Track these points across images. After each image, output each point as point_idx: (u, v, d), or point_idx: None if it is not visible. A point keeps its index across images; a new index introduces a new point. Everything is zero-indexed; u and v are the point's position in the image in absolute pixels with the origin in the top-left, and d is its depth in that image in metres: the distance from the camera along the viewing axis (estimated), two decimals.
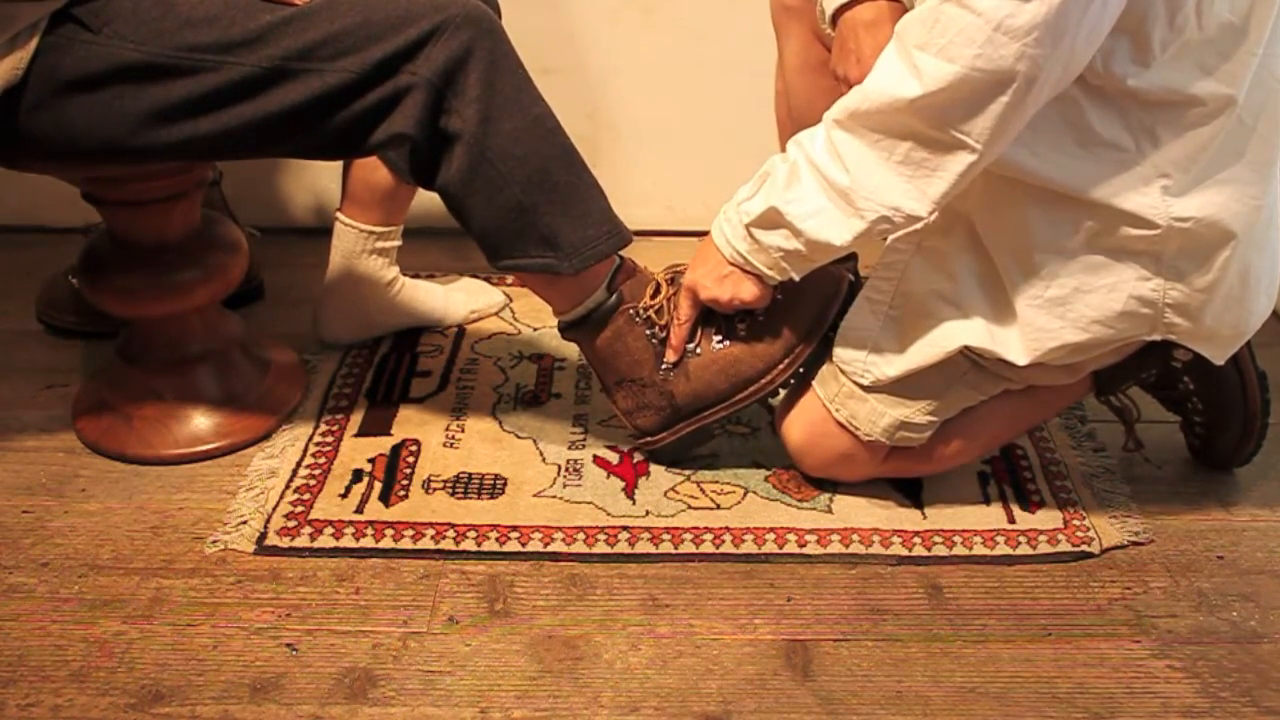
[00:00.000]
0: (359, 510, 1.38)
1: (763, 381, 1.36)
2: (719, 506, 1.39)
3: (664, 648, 1.20)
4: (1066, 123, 1.15)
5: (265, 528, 1.35)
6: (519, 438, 1.52)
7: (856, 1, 1.27)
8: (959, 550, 1.32)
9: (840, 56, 1.29)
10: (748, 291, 1.29)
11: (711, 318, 1.37)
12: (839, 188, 1.16)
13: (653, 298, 1.38)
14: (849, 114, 1.15)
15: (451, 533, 1.34)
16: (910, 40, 1.09)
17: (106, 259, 1.45)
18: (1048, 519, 1.37)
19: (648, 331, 1.37)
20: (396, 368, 1.67)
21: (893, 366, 1.30)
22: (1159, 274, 1.19)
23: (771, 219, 1.22)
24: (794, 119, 1.52)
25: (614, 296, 1.37)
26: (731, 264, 1.28)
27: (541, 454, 1.48)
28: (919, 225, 1.17)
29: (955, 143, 1.11)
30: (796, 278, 1.27)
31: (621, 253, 1.38)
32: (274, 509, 1.38)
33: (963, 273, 1.27)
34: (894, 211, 1.15)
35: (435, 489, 1.42)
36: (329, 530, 1.34)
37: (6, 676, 1.15)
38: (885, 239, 1.29)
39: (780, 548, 1.32)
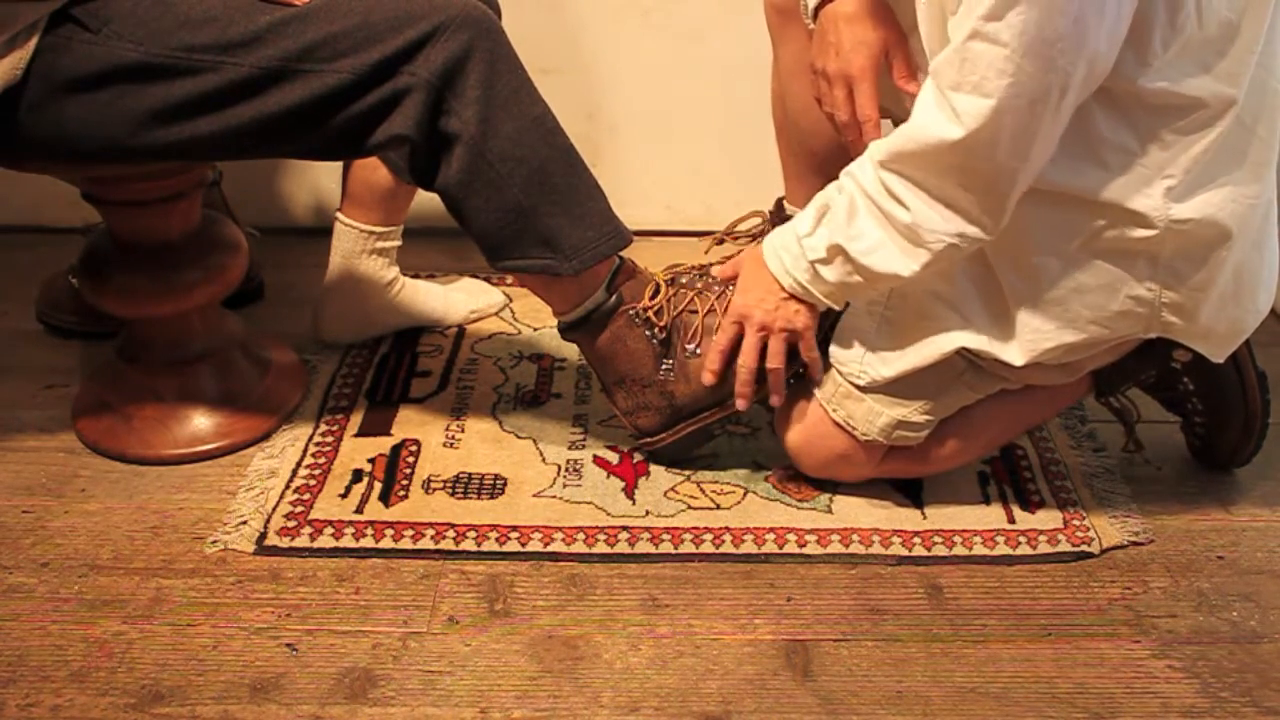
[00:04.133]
0: (359, 510, 1.38)
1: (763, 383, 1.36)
2: (719, 506, 1.39)
3: (664, 648, 1.20)
4: (1074, 127, 1.15)
5: (265, 528, 1.35)
6: (519, 438, 1.52)
7: None
8: (959, 550, 1.32)
9: (820, 49, 1.29)
10: (801, 320, 1.29)
11: (713, 318, 1.37)
12: (902, 224, 1.17)
13: (652, 299, 1.38)
14: (894, 155, 1.16)
15: (451, 533, 1.34)
16: (944, 83, 1.10)
17: (107, 259, 1.45)
18: (1048, 519, 1.37)
19: (647, 332, 1.37)
20: (396, 368, 1.67)
21: (889, 367, 1.30)
22: (1155, 274, 1.19)
23: (834, 254, 1.22)
24: (790, 121, 1.52)
25: (614, 297, 1.37)
26: (789, 293, 1.28)
27: (541, 454, 1.48)
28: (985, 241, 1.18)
29: (1005, 167, 1.11)
30: (859, 305, 1.28)
31: (621, 253, 1.38)
32: (274, 509, 1.38)
33: (958, 274, 1.27)
34: (959, 238, 1.16)
35: (435, 489, 1.42)
36: (329, 530, 1.34)
37: (6, 676, 1.15)
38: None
39: (780, 548, 1.33)
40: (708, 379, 1.36)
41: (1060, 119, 1.10)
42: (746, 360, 1.32)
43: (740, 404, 1.35)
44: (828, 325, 1.35)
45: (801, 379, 1.38)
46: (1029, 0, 1.03)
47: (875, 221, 1.19)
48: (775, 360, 1.32)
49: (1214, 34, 1.10)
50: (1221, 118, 1.13)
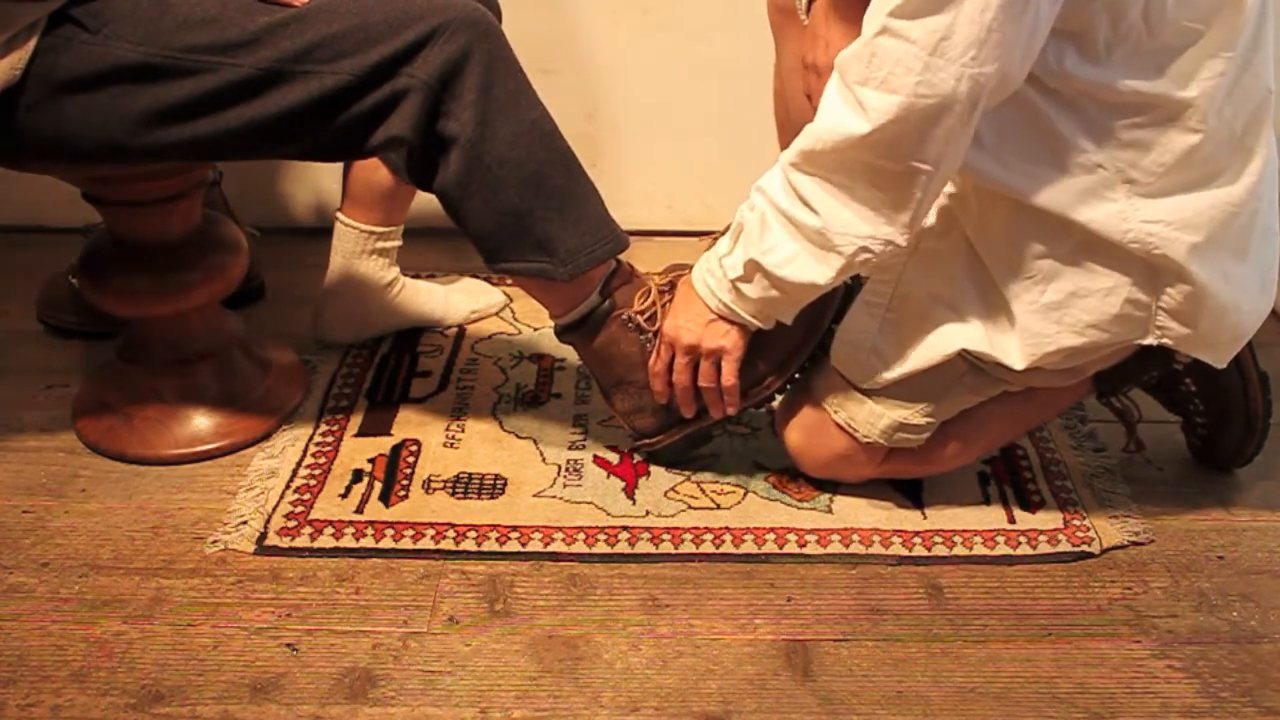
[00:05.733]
0: (359, 510, 1.38)
1: (759, 386, 1.36)
2: (719, 506, 1.39)
3: (664, 648, 1.20)
4: (1031, 130, 1.15)
5: (265, 528, 1.35)
6: (519, 438, 1.52)
7: None
8: (959, 550, 1.32)
9: (811, 42, 1.29)
10: (730, 339, 1.30)
11: None
12: (811, 229, 1.17)
13: (642, 304, 1.37)
14: (803, 156, 1.16)
15: (451, 533, 1.34)
16: (851, 77, 1.10)
17: (107, 259, 1.45)
18: (1048, 519, 1.37)
19: (640, 337, 1.37)
20: (396, 368, 1.67)
21: (891, 369, 1.30)
22: (1149, 278, 1.19)
23: (751, 271, 1.23)
24: (792, 120, 1.52)
25: (607, 302, 1.37)
26: (716, 314, 1.29)
27: (541, 454, 1.48)
28: (900, 249, 1.17)
29: (911, 170, 1.12)
30: (787, 322, 1.28)
31: (622, 253, 1.38)
32: (274, 509, 1.38)
33: (960, 276, 1.27)
34: (870, 240, 1.16)
35: (435, 489, 1.42)
36: (329, 530, 1.34)
37: (6, 676, 1.15)
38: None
39: (780, 548, 1.32)
40: (658, 400, 1.37)
41: (970, 126, 1.10)
42: (679, 379, 1.34)
43: (714, 413, 1.36)
44: (826, 328, 1.35)
45: (801, 381, 1.38)
46: (942, 2, 1.03)
47: (787, 233, 1.19)
48: (705, 380, 1.33)
49: (1170, 41, 1.10)
50: (1180, 119, 1.12)
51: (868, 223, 1.15)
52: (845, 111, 1.11)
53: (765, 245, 1.21)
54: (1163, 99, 1.11)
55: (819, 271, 1.19)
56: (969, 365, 1.29)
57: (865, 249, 1.16)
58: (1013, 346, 1.25)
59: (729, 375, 1.31)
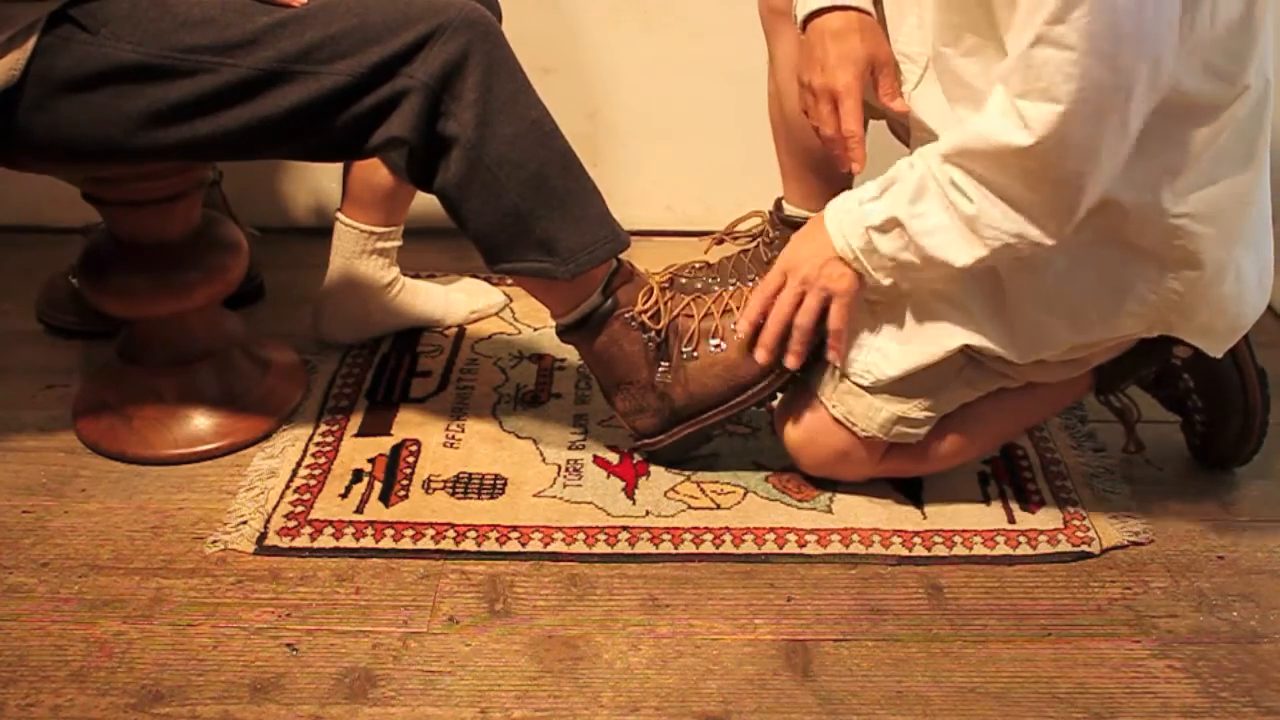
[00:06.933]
0: (359, 510, 1.38)
1: (760, 386, 1.36)
2: (719, 506, 1.39)
3: (664, 648, 1.20)
4: None
5: (265, 528, 1.35)
6: (519, 438, 1.52)
7: (826, 10, 1.27)
8: (959, 550, 1.32)
9: (806, 63, 1.29)
10: (845, 283, 1.25)
11: (710, 321, 1.37)
12: (964, 214, 1.15)
13: (645, 302, 1.37)
14: (961, 153, 1.14)
15: (451, 533, 1.34)
16: (1012, 91, 1.09)
17: (106, 259, 1.45)
18: (1048, 519, 1.37)
19: (644, 336, 1.37)
20: (396, 368, 1.67)
21: (893, 366, 1.30)
22: (1159, 272, 1.19)
23: (892, 226, 1.20)
24: (787, 120, 1.52)
25: (609, 301, 1.36)
26: (840, 255, 1.25)
27: (541, 454, 1.48)
28: (1047, 247, 1.16)
29: (1073, 172, 1.10)
30: (904, 287, 1.25)
31: (622, 254, 1.38)
32: (274, 509, 1.38)
33: (960, 271, 1.27)
34: (1018, 239, 1.14)
35: (435, 489, 1.42)
36: (329, 530, 1.34)
37: (6, 676, 1.15)
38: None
39: (780, 548, 1.33)
40: (743, 328, 1.31)
41: (1128, 126, 1.09)
42: (780, 309, 1.29)
43: (760, 355, 1.31)
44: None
45: (802, 380, 1.38)
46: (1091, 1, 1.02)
47: (941, 205, 1.17)
48: (805, 316, 1.28)
49: (1222, 33, 1.10)
50: (1221, 112, 1.12)
51: (1018, 220, 1.13)
52: (1007, 124, 1.09)
53: (917, 209, 1.18)
54: (1211, 93, 1.11)
55: (961, 252, 1.16)
56: (967, 359, 1.30)
57: (1011, 246, 1.15)
58: (1014, 341, 1.25)
59: (837, 319, 1.26)
